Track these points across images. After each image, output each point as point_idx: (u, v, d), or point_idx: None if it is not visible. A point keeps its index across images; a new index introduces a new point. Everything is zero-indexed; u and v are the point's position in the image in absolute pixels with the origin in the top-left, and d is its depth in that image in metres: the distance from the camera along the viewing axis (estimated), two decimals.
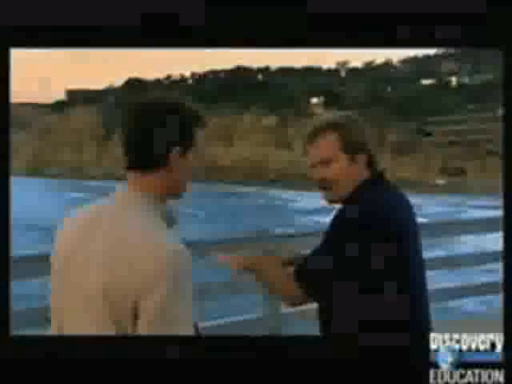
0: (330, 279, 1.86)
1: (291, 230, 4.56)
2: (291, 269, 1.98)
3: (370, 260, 1.81)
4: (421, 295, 1.96)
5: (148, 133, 1.48)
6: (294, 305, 2.08)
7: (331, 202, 2.02)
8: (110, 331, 1.40)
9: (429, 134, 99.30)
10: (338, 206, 1.98)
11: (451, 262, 5.01)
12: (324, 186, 2.00)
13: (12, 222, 1.76)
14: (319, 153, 1.98)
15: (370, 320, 1.85)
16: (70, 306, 1.48)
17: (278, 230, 4.93)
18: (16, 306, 2.40)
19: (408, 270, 1.91)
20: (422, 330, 1.86)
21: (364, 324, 1.85)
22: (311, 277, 1.90)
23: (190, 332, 1.41)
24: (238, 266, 2.09)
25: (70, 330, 1.49)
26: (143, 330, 1.36)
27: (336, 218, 1.89)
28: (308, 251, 2.00)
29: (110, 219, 1.46)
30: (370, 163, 1.99)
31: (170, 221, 1.53)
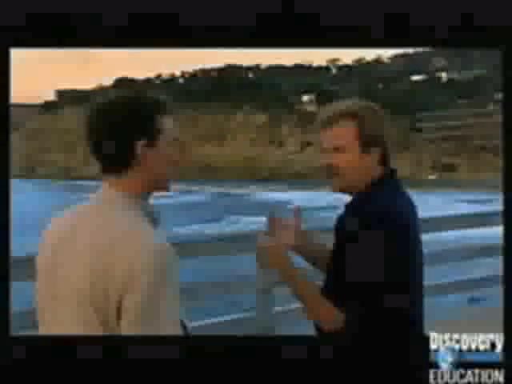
0: (370, 279, 1.79)
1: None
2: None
3: (393, 260, 1.79)
4: (421, 295, 1.97)
5: (109, 133, 1.45)
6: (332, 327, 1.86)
7: (340, 190, 1.98)
8: (98, 332, 1.38)
9: (419, 130, 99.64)
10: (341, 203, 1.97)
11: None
12: (333, 171, 1.95)
13: (12, 222, 1.76)
14: (333, 139, 1.94)
15: (377, 320, 1.83)
16: (56, 306, 1.46)
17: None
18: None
19: (418, 270, 1.93)
20: (422, 330, 1.86)
21: (370, 324, 1.84)
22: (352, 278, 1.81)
23: (177, 331, 1.40)
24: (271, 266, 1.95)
25: (56, 331, 1.48)
26: (125, 329, 1.35)
27: (355, 218, 1.86)
28: None
29: (93, 219, 1.45)
30: (384, 160, 1.96)
31: (154, 220, 1.52)
